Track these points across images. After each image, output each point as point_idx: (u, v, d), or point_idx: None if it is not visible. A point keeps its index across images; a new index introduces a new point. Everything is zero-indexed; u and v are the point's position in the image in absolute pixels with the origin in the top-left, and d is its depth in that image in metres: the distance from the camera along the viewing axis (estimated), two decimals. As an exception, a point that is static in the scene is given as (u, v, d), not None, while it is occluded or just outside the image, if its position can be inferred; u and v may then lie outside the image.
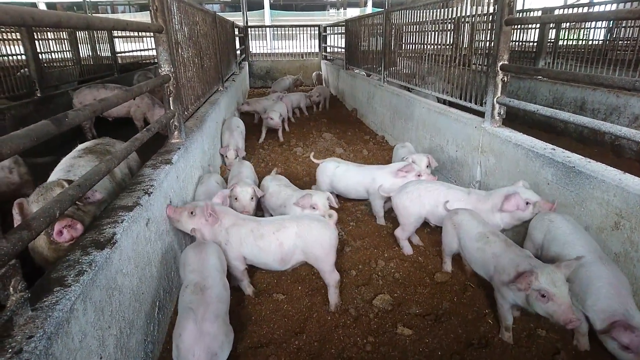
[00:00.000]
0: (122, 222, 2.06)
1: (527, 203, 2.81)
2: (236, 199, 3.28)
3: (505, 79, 3.69)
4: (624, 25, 8.50)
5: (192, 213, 2.68)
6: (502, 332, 2.44)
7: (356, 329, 2.49)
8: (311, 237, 2.67)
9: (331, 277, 2.73)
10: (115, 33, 10.67)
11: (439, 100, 5.43)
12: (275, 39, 18.16)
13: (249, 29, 13.79)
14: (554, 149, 3.11)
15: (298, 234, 2.67)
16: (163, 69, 3.40)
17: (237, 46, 12.19)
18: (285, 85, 10.28)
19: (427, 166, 3.97)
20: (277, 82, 10.59)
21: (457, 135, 4.44)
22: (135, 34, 12.21)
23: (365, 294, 2.81)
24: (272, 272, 3.01)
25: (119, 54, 10.89)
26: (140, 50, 13.22)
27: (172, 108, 3.48)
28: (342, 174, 3.94)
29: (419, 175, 3.70)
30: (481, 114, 4.03)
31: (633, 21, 8.27)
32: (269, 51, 15.87)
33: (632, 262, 2.34)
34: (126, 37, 12.63)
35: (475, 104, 4.26)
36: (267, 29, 18.01)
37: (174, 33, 3.81)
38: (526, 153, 3.26)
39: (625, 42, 8.04)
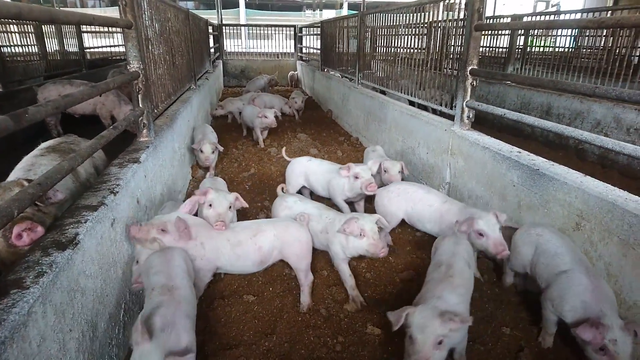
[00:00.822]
0: (85, 222, 1.99)
1: (480, 234, 2.63)
2: (210, 205, 2.70)
3: (475, 83, 3.78)
4: (587, 34, 8.90)
5: (162, 230, 2.42)
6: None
7: (326, 329, 2.49)
8: (289, 238, 2.70)
9: (306, 278, 2.74)
10: (84, 28, 10.36)
11: (412, 103, 5.51)
12: (250, 38, 18.06)
13: (224, 28, 13.63)
14: (520, 152, 3.21)
15: (276, 236, 2.68)
16: (132, 66, 3.32)
17: (212, 44, 12.08)
18: (260, 84, 10.18)
19: (400, 172, 3.95)
20: (252, 81, 10.47)
21: (428, 137, 4.51)
22: (105, 29, 11.89)
23: (337, 294, 2.82)
24: (243, 274, 2.98)
25: (88, 50, 10.57)
26: (111, 46, 12.86)
27: (140, 106, 3.40)
28: (315, 167, 3.98)
29: (355, 178, 3.51)
30: (452, 118, 4.12)
31: (596, 31, 8.66)
32: (244, 50, 15.75)
33: (592, 261, 2.43)
34: (95, 32, 12.28)
35: (446, 107, 4.35)
36: (243, 27, 17.86)
37: (144, 29, 3.73)
38: (493, 156, 3.35)
39: (589, 50, 8.41)
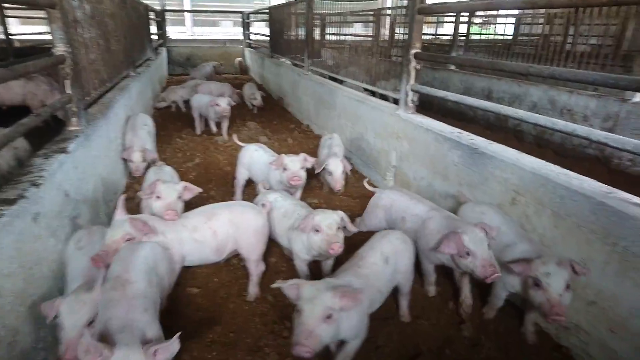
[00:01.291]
0: (0, 218, 1.81)
1: (467, 253, 2.19)
2: (158, 197, 2.59)
3: (418, 67, 3.82)
4: (525, 22, 9.33)
5: (129, 239, 2.26)
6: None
7: (273, 316, 2.46)
8: (244, 224, 2.60)
9: (257, 267, 2.67)
10: (10, 14, 9.50)
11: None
12: (196, 25, 17.43)
13: (167, 14, 13.03)
14: (461, 133, 3.29)
15: (231, 221, 2.57)
16: (57, 49, 3.07)
17: (155, 31, 11.52)
18: (206, 72, 9.82)
19: (343, 172, 3.68)
20: (196, 68, 10.07)
21: (375, 122, 4.54)
22: (36, 14, 10.99)
23: (283, 279, 2.77)
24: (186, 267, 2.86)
25: (15, 36, 9.73)
26: (41, 33, 11.92)
27: (69, 92, 3.16)
28: (258, 157, 3.80)
29: (284, 169, 3.32)
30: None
31: (532, 18, 9.09)
32: (190, 37, 15.17)
33: (527, 234, 2.54)
34: (24, 17, 11.33)
35: (392, 91, 4.39)
36: (187, 13, 17.17)
37: (72, 10, 3.45)
38: (435, 137, 3.42)
39: (527, 37, 8.82)
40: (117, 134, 4.20)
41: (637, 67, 4.48)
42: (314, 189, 4.34)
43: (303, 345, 1.68)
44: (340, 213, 2.45)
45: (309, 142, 5.97)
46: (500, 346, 2.34)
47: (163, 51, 11.54)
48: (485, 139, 3.09)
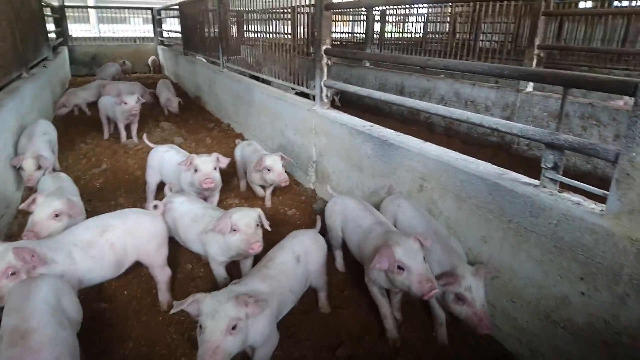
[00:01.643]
0: None
1: (399, 267, 2.01)
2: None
3: (329, 62, 3.88)
4: (434, 20, 9.93)
5: (12, 275, 1.94)
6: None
7: (190, 324, 2.34)
8: (141, 231, 2.43)
9: (163, 273, 2.53)
10: None
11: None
12: (103, 22, 16.21)
13: (68, 10, 11.96)
14: (372, 126, 3.40)
15: (127, 230, 2.39)
16: None
17: (54, 28, 10.53)
18: (112, 72, 9.16)
19: (284, 166, 3.55)
20: (102, 68, 9.36)
21: (294, 119, 4.54)
22: None
23: (202, 285, 2.67)
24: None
25: None
26: None
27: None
28: (169, 157, 3.58)
29: (195, 171, 3.13)
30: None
31: (441, 17, 9.69)
32: (97, 35, 14.07)
33: (435, 218, 2.69)
34: None
35: (307, 87, 4.41)
36: (92, 10, 15.93)
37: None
38: (349, 131, 3.49)
39: (436, 35, 9.40)
40: (5, 142, 3.76)
41: (527, 60, 4.95)
42: (234, 189, 4.23)
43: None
44: (258, 210, 2.39)
45: (230, 141, 5.79)
46: (419, 325, 2.44)
47: (64, 50, 10.59)
48: (393, 131, 3.22)
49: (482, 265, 2.18)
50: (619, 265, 1.76)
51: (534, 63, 4.91)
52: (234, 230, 2.29)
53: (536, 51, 4.79)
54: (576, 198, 1.99)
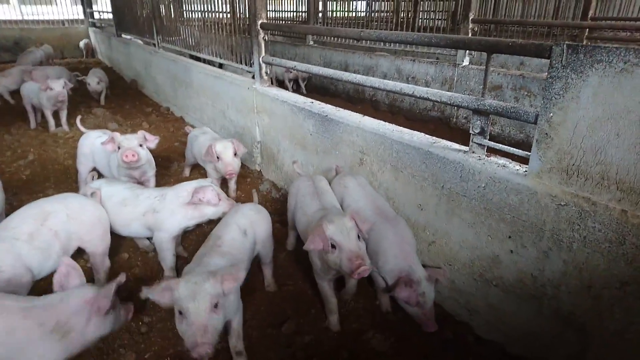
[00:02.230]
0: None
1: (332, 245, 1.94)
2: None
3: (267, 37, 3.77)
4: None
5: None
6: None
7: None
8: (85, 217, 2.31)
9: (103, 264, 2.43)
10: None
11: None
12: (25, 4, 14.88)
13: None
14: (312, 102, 3.36)
15: (70, 217, 2.25)
16: None
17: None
18: (35, 58, 8.39)
19: (235, 154, 3.22)
20: (24, 54, 8.54)
21: (234, 98, 4.41)
22: None
23: (139, 273, 2.57)
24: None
25: None
26: None
27: None
28: (99, 143, 3.37)
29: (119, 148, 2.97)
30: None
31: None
32: (19, 18, 12.90)
33: (375, 190, 2.72)
34: None
35: (246, 65, 4.28)
36: (11, -11, 14.52)
37: None
38: (291, 108, 3.44)
39: (380, 14, 9.42)
40: None
41: (463, 35, 5.09)
42: (174, 174, 4.07)
43: (203, 343, 1.57)
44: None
45: (169, 125, 5.59)
46: (363, 294, 2.48)
47: (-21, 34, 9.64)
48: (333, 107, 3.20)
49: (438, 270, 2.17)
50: (542, 222, 1.86)
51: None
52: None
53: (471, 25, 4.92)
54: (502, 161, 2.08)
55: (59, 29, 11.92)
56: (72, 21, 12.31)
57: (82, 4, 11.90)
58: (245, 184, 3.95)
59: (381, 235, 2.23)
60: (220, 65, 5.34)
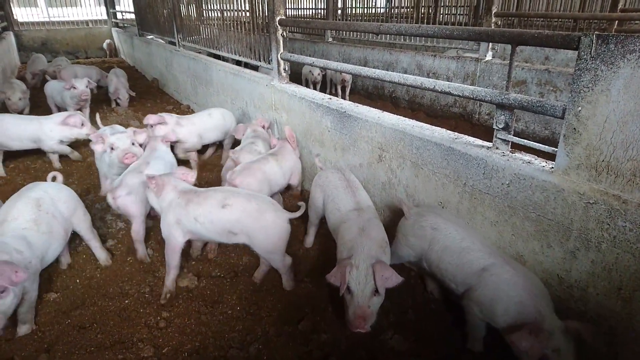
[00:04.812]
0: None
1: (348, 288, 1.96)
2: None
3: (285, 33, 3.75)
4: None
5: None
6: None
7: (149, 309, 2.27)
8: (67, 199, 2.49)
9: (94, 234, 2.67)
10: None
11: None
12: (52, 6, 15.29)
13: (10, -9, 11.21)
14: (330, 99, 3.32)
15: (55, 199, 2.40)
16: None
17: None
18: (44, 65, 7.99)
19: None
20: (33, 61, 8.06)
21: (253, 95, 4.41)
22: None
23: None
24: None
25: None
26: None
27: None
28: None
29: (111, 149, 3.04)
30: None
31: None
32: (46, 20, 13.27)
33: (394, 187, 2.67)
34: None
35: (265, 62, 4.28)
36: (38, -8, 14.95)
37: None
38: (309, 105, 3.41)
39: (400, 9, 9.29)
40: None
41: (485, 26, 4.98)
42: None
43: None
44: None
45: (189, 123, 5.65)
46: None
47: (9, 36, 9.93)
48: (352, 103, 3.16)
49: (586, 325, 1.67)
50: (569, 221, 1.79)
51: (492, 31, 4.93)
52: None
53: (494, 19, 4.80)
54: (527, 157, 2.00)
55: (83, 29, 12.21)
56: (95, 22, 12.59)
57: (106, 5, 12.16)
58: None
59: (503, 279, 1.85)
60: (240, 63, 5.36)
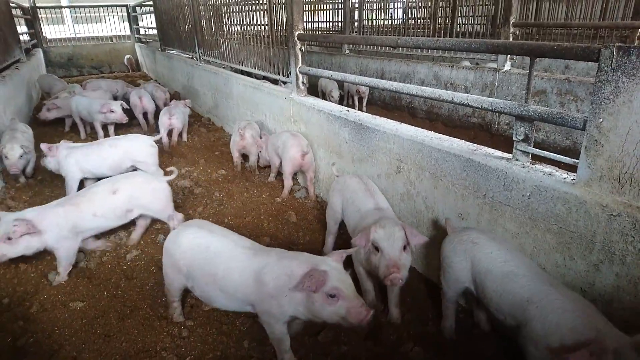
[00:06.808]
0: None
1: (377, 249, 2.06)
2: None
3: (303, 48, 3.83)
4: (413, 6, 9.84)
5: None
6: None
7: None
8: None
9: None
10: None
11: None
12: (78, 23, 15.88)
13: (40, 11, 11.67)
14: (348, 111, 3.37)
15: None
16: None
17: (26, 30, 10.29)
18: (56, 86, 7.32)
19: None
20: (44, 78, 7.85)
21: (272, 108, 4.49)
22: None
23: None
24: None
25: None
26: None
27: None
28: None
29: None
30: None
31: (421, 2, 9.63)
32: (72, 36, 13.78)
33: (413, 198, 2.68)
34: None
35: (283, 75, 4.36)
36: (65, 10, 15.56)
37: None
38: (327, 117, 3.46)
39: (417, 21, 9.33)
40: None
41: (503, 39, 4.95)
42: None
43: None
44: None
45: (210, 135, 5.76)
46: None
47: (38, 52, 10.34)
48: (369, 114, 3.19)
49: None
50: (592, 233, 1.77)
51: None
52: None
53: (512, 29, 4.78)
54: (548, 169, 1.99)
55: (107, 44, 12.62)
56: (119, 37, 13.00)
57: (129, 21, 12.55)
58: (281, 191, 3.98)
59: (554, 307, 1.62)
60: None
